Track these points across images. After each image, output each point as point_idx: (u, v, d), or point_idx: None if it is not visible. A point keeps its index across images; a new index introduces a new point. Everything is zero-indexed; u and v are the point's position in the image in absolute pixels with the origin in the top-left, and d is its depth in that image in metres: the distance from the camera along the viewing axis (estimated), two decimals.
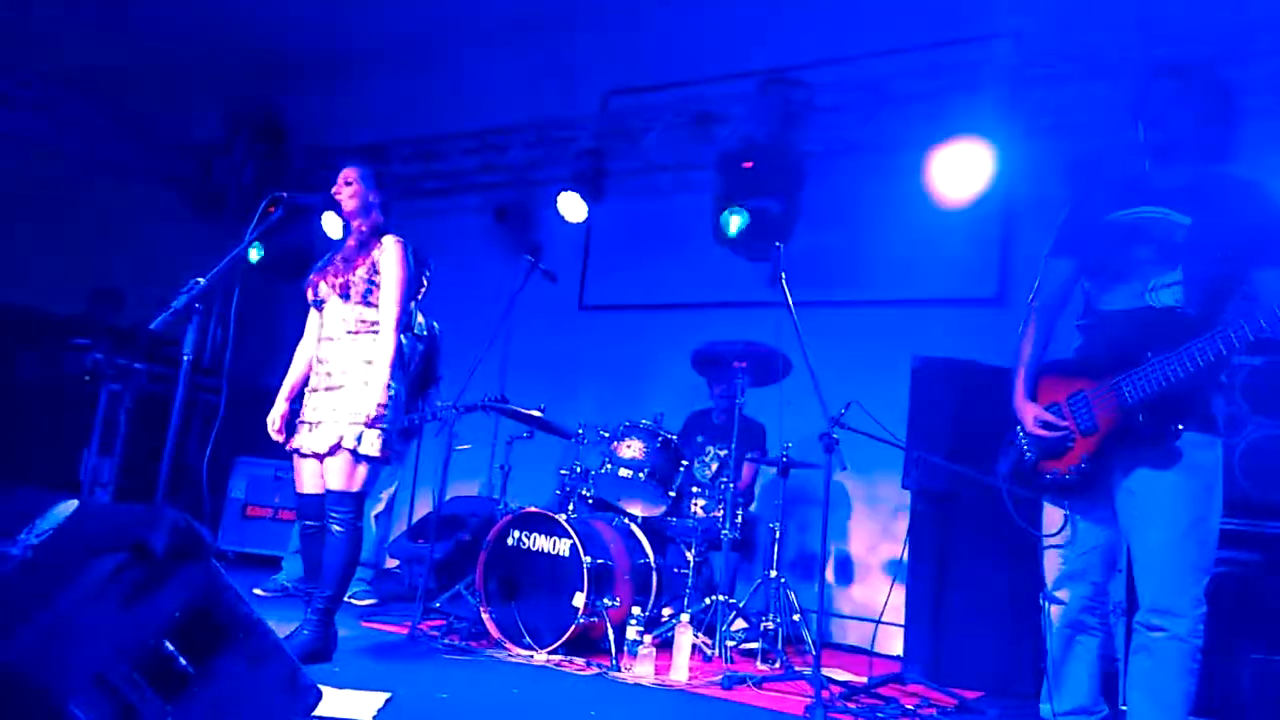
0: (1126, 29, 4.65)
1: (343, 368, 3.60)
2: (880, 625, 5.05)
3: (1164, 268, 2.49)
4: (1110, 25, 4.74)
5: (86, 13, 7.40)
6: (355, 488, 3.57)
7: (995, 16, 5.31)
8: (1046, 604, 2.73)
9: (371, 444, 3.54)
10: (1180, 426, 2.42)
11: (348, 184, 3.75)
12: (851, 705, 3.53)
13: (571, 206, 6.23)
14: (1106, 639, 2.74)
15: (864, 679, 4.05)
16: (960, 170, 5.00)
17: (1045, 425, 2.62)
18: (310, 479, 3.66)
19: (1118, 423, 2.50)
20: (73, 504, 2.39)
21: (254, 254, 6.94)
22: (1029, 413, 2.66)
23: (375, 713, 2.78)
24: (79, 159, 7.22)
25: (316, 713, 2.37)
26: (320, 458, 3.57)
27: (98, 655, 1.95)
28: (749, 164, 5.45)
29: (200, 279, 3.29)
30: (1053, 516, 2.70)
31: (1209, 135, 2.55)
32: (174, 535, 2.10)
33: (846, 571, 5.56)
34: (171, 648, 2.08)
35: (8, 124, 6.69)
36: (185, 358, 3.16)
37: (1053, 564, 2.71)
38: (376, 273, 3.65)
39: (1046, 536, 2.69)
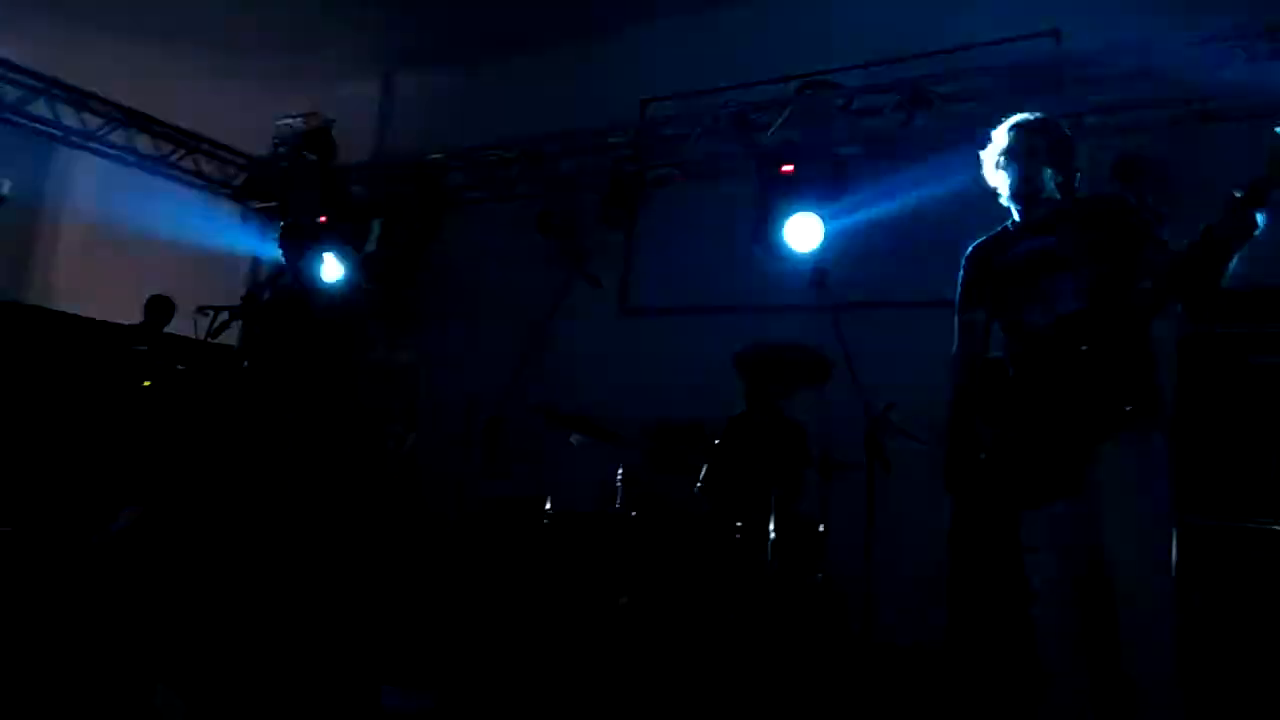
0: (1169, 27, 4.61)
1: None
2: (927, 628, 5.08)
3: (1059, 283, 2.76)
4: (1152, 23, 4.69)
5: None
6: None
7: (1036, 16, 5.29)
8: (1043, 608, 2.76)
9: None
10: (1128, 408, 2.61)
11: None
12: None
13: (613, 212, 6.29)
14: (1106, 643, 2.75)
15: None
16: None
17: (997, 437, 2.81)
18: None
19: (1066, 419, 2.67)
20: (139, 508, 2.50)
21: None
22: (982, 429, 2.86)
23: (429, 706, 2.83)
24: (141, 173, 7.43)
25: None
26: None
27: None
28: (789, 167, 5.47)
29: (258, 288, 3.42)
30: (1034, 525, 2.79)
31: (1059, 178, 2.87)
32: None
33: (891, 574, 5.53)
34: None
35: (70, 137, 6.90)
36: (244, 364, 3.28)
37: (1044, 570, 2.77)
38: None
39: (1029, 546, 2.79)
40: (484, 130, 7.25)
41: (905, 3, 5.88)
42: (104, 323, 7.31)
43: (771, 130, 5.83)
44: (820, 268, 4.03)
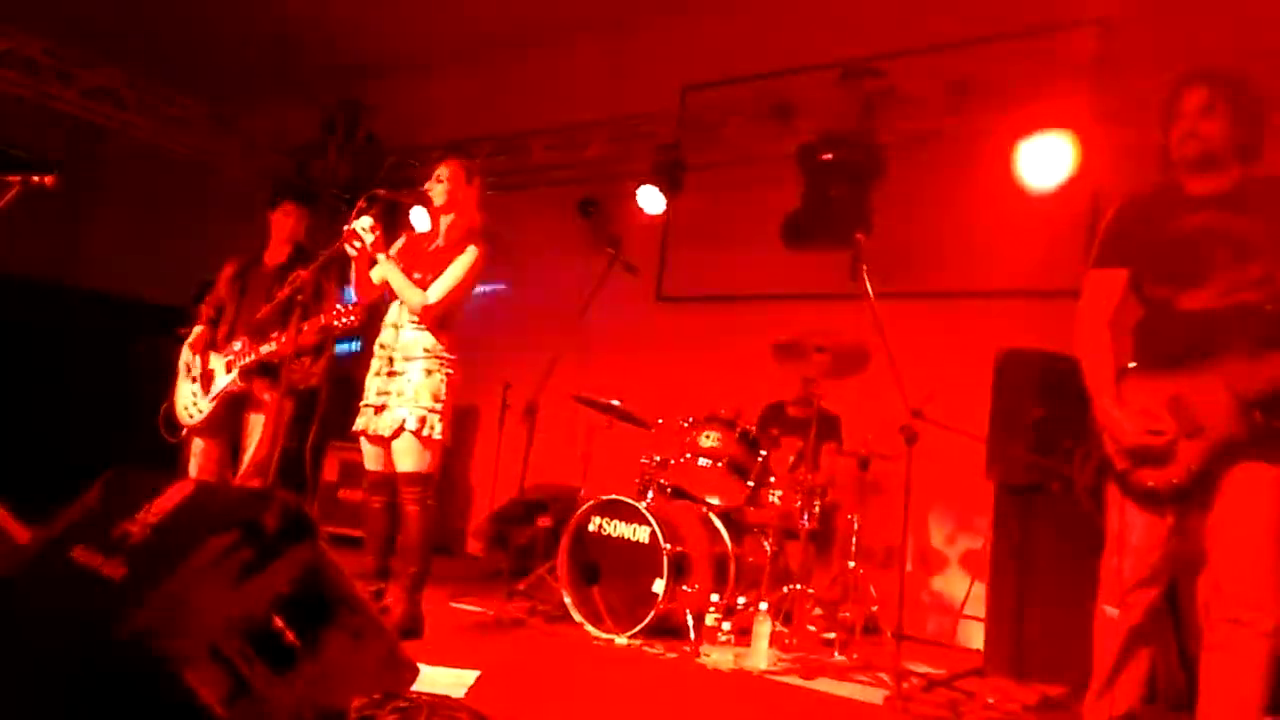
0: (1216, 14, 4.50)
1: (407, 355, 3.75)
2: (961, 618, 5.07)
3: (1242, 267, 2.48)
4: (1199, 11, 4.59)
5: (186, 16, 7.75)
6: (425, 469, 3.72)
7: (1080, 4, 5.20)
8: (1109, 606, 2.65)
9: (434, 428, 3.69)
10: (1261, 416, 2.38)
11: (440, 181, 3.88)
12: (931, 697, 3.53)
13: (650, 199, 6.29)
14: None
15: (943, 671, 4.05)
16: (1045, 160, 4.90)
17: (1149, 433, 2.50)
18: (373, 459, 3.83)
19: (1231, 421, 2.41)
20: (190, 484, 2.56)
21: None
22: (1128, 423, 2.54)
23: (467, 689, 2.90)
24: (184, 159, 7.55)
25: (412, 688, 2.49)
26: (385, 441, 3.73)
27: (212, 628, 2.08)
28: (828, 155, 5.43)
29: (302, 271, 3.47)
30: (1129, 519, 2.58)
31: (1242, 138, 2.58)
32: (284, 515, 2.23)
33: (925, 563, 5.53)
34: (280, 622, 2.21)
35: (115, 121, 7.02)
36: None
37: (1120, 566, 2.61)
38: None
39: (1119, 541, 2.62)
40: (525, 117, 7.28)
41: None
42: (154, 306, 7.47)
43: (812, 117, 5.79)
44: (860, 257, 4.01)
